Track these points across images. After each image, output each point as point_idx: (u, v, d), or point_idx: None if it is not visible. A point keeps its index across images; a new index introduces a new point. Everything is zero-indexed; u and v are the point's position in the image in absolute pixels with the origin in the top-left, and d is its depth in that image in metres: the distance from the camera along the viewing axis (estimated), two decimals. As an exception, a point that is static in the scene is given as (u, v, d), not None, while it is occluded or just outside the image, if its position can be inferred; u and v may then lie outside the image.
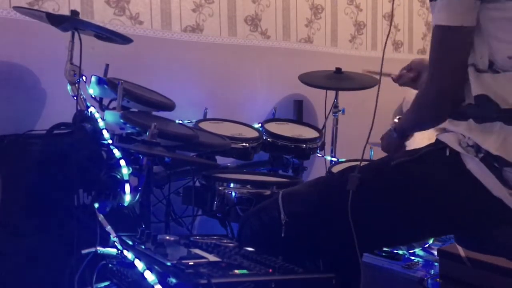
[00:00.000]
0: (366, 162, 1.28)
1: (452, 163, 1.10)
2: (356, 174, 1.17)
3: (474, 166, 1.06)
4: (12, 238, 1.65)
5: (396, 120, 1.39)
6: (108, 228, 1.47)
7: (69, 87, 1.80)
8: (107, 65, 1.89)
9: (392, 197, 1.16)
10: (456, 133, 1.11)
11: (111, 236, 1.42)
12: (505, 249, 1.15)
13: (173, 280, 1.06)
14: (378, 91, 1.27)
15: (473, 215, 1.11)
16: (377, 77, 1.48)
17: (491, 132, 1.05)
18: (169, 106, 1.97)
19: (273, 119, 2.47)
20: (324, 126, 2.57)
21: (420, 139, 1.63)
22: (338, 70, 2.56)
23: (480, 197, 1.07)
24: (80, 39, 1.78)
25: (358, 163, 1.24)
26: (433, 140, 1.19)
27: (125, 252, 1.28)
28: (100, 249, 1.40)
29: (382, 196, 1.17)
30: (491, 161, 1.04)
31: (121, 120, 1.65)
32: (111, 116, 1.73)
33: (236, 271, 1.10)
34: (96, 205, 1.58)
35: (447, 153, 1.11)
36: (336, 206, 1.20)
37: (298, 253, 1.24)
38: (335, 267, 1.20)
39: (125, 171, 1.59)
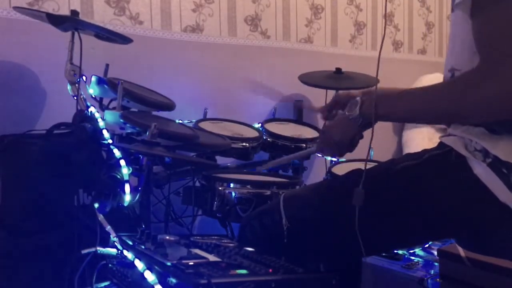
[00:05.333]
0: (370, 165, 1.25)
1: (458, 167, 1.08)
2: (360, 189, 1.11)
3: (482, 171, 1.04)
4: (12, 238, 1.65)
5: (358, 100, 1.14)
6: (108, 228, 1.47)
7: (69, 87, 1.80)
8: (107, 65, 1.89)
9: (397, 201, 1.15)
10: (462, 137, 1.08)
11: (111, 236, 1.42)
12: (508, 252, 1.14)
13: (173, 280, 1.06)
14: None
15: (478, 219, 1.09)
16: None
17: (501, 138, 1.03)
18: (169, 106, 1.97)
19: (273, 119, 2.47)
20: (324, 126, 2.56)
21: (421, 139, 1.63)
22: (338, 70, 2.56)
23: (487, 202, 1.05)
24: (80, 39, 1.78)
25: (358, 163, 1.23)
26: (433, 141, 1.17)
27: (125, 252, 1.28)
28: (100, 249, 1.40)
29: (387, 201, 1.16)
30: (499, 167, 1.02)
31: (121, 120, 1.65)
32: (111, 116, 1.73)
33: (236, 271, 1.10)
34: (96, 205, 1.58)
35: (453, 157, 1.09)
36: (339, 211, 1.19)
37: (300, 257, 1.24)
38: (335, 267, 1.20)
39: (125, 171, 1.59)
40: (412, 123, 1.21)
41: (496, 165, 1.02)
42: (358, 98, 1.15)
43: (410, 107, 1.10)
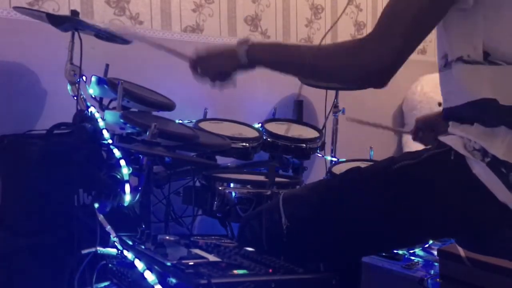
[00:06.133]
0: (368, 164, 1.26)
1: (457, 167, 1.07)
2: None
3: (480, 171, 1.04)
4: (12, 238, 1.65)
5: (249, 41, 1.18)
6: (108, 228, 1.47)
7: (69, 87, 1.80)
8: (107, 65, 1.89)
9: (395, 201, 1.15)
10: (461, 136, 1.08)
11: (111, 236, 1.42)
12: (508, 252, 1.14)
13: (173, 280, 1.06)
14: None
15: (477, 219, 1.09)
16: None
17: (497, 136, 1.03)
18: (169, 106, 1.97)
19: (273, 119, 2.47)
20: (324, 126, 2.57)
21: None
22: (338, 70, 2.56)
23: (486, 202, 1.05)
24: (80, 39, 1.78)
25: (359, 163, 1.23)
26: None
27: (125, 252, 1.28)
28: (100, 249, 1.40)
29: (385, 200, 1.16)
30: (498, 166, 1.02)
31: (121, 120, 1.65)
32: (111, 116, 1.73)
33: (236, 271, 1.10)
34: (96, 205, 1.58)
35: (452, 157, 1.08)
36: (338, 210, 1.20)
37: (300, 257, 1.24)
38: (335, 267, 1.20)
39: (125, 171, 1.59)
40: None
41: (495, 164, 1.02)
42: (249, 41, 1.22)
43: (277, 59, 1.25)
